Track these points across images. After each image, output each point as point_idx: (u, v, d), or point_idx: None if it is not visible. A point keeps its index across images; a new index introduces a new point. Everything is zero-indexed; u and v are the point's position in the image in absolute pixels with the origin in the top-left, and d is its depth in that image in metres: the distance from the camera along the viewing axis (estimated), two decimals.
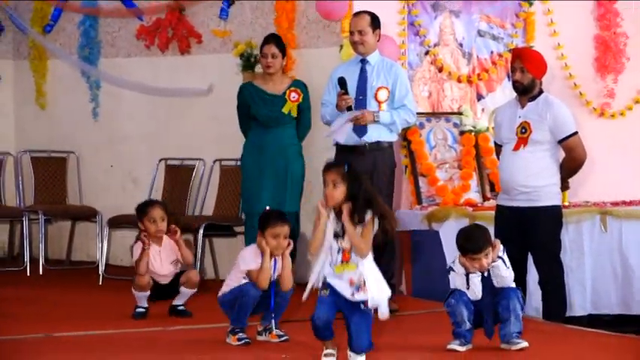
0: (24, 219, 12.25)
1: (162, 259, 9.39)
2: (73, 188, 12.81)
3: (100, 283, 11.37)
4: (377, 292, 6.93)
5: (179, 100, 11.79)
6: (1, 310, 9.92)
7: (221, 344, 8.11)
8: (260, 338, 8.19)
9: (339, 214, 7.03)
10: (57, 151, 12.85)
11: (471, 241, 7.76)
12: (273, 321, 8.14)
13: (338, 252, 7.04)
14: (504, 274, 7.64)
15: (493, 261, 7.65)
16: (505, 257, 7.70)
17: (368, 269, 7.00)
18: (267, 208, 8.62)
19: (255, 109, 10.46)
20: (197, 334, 8.75)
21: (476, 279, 7.68)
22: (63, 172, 12.82)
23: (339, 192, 6.99)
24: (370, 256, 7.02)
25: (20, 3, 13.04)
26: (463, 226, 8.65)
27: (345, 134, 9.61)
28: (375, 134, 9.60)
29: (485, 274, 7.71)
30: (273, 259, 8.13)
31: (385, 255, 9.26)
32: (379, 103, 9.62)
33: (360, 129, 9.58)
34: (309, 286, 7.17)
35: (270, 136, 10.43)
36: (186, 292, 9.39)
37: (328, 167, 7.14)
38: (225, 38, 11.50)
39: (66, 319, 9.41)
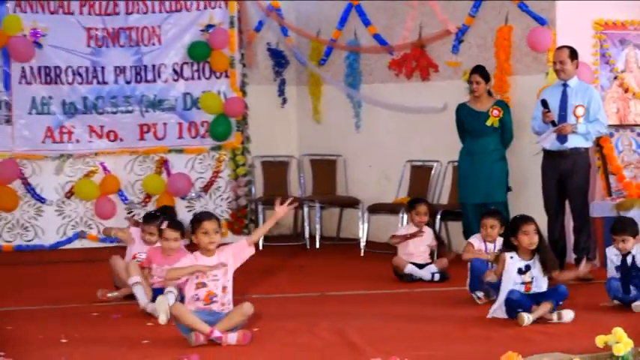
0: (304, 206, 12.46)
1: (422, 242, 9.70)
2: (341, 183, 13.02)
3: (362, 255, 11.61)
4: None
5: (421, 115, 11.83)
6: (285, 275, 10.33)
7: (467, 300, 8.39)
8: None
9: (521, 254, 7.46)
10: (328, 154, 13.10)
11: (617, 224, 8.04)
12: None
13: (521, 284, 7.36)
14: None
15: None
16: None
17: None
18: (493, 207, 9.01)
19: (467, 123, 10.67)
20: (444, 294, 9.00)
21: (611, 254, 7.98)
22: (333, 170, 13.04)
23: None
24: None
25: (302, 43, 13.41)
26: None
27: (550, 141, 9.71)
28: (574, 142, 9.66)
29: (629, 259, 7.74)
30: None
31: (583, 237, 9.47)
32: (577, 117, 9.65)
33: (562, 138, 9.66)
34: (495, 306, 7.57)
35: (479, 143, 10.60)
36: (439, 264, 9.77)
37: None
38: (456, 68, 11.51)
39: (336, 281, 9.72)
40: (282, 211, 7.11)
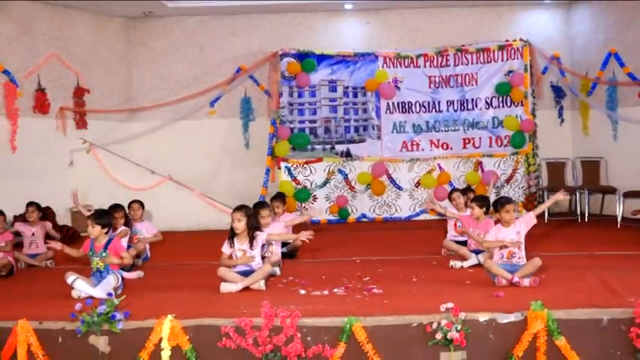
0: (577, 192, 12.09)
1: None
2: (603, 176, 12.30)
3: (618, 227, 10.89)
4: None
5: None
6: (562, 240, 9.79)
7: None
8: None
9: None
10: (594, 157, 12.47)
11: None
12: None
13: None
14: None
15: None
16: None
17: None
18: None
19: None
20: None
21: None
22: (597, 168, 12.36)
23: None
24: None
25: (575, 81, 12.84)
26: None
27: None
28: None
29: None
30: None
31: None
32: None
33: None
34: None
35: None
36: None
37: None
38: None
39: (599, 245, 9.15)
40: (557, 196, 6.94)
